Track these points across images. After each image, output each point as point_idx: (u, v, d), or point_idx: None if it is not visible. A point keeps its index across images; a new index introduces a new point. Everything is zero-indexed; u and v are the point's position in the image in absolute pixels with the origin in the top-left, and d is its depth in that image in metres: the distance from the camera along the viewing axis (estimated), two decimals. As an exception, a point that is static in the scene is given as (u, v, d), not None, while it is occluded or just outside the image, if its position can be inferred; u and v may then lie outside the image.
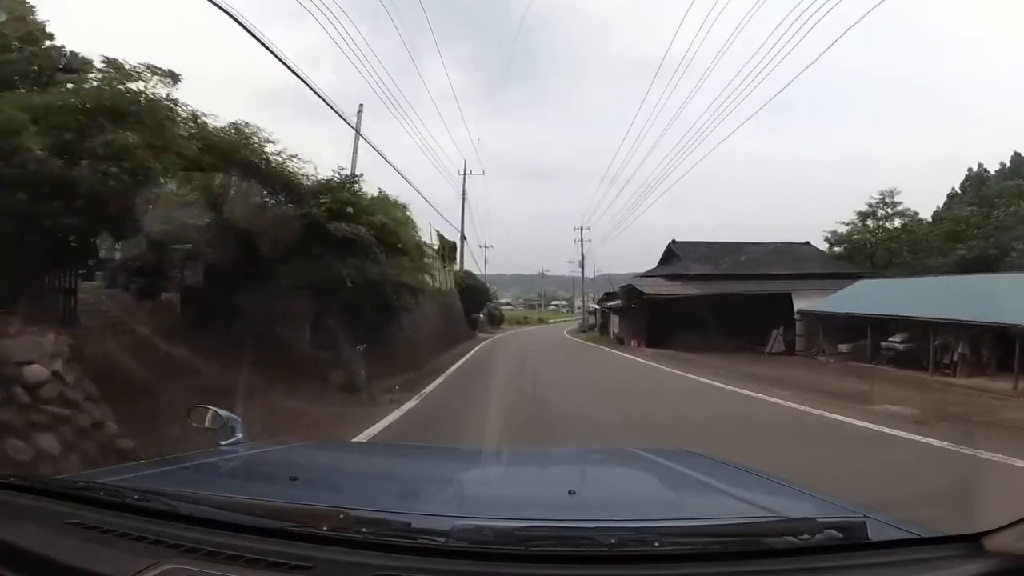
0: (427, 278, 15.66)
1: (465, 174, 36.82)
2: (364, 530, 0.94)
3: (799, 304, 20.01)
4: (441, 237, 28.25)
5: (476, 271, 39.55)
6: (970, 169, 30.40)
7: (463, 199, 36.96)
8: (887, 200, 28.68)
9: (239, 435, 1.74)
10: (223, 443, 1.71)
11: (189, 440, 2.43)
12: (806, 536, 0.92)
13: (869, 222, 29.16)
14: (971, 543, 0.92)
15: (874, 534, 0.95)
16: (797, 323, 20.11)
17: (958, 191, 30.05)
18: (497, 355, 19.77)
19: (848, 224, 29.73)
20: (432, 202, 26.28)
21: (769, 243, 27.39)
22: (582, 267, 56.51)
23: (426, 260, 15.45)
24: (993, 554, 0.88)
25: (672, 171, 43.09)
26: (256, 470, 1.63)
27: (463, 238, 36.31)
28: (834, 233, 30.01)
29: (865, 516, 1.01)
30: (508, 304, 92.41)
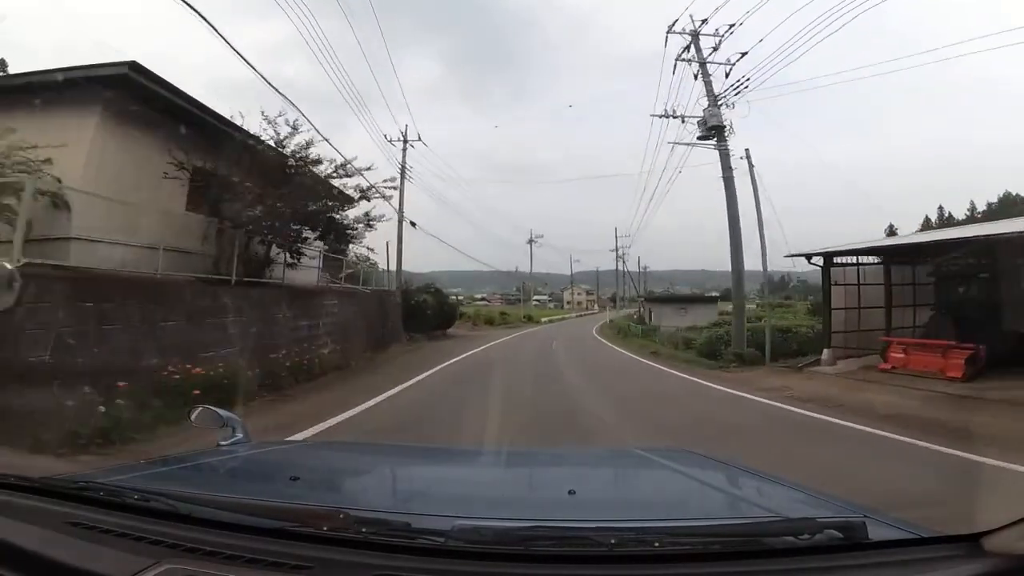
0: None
1: None
2: (364, 530, 0.94)
3: None
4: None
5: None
6: None
7: None
8: None
9: (239, 435, 1.74)
10: (223, 443, 1.71)
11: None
12: (806, 536, 0.92)
13: None
14: (971, 543, 0.92)
15: (874, 534, 0.95)
16: None
17: None
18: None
19: None
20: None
21: None
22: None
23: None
24: (993, 554, 0.88)
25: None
26: (256, 470, 1.64)
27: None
28: None
29: (865, 516, 1.01)
30: (483, 300, 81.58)
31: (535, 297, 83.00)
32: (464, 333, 27.78)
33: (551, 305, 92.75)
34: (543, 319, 55.85)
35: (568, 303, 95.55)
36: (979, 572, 0.86)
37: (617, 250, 51.13)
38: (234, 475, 1.55)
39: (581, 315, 74.06)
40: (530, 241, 64.40)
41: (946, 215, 54.09)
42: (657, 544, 0.91)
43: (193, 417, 1.76)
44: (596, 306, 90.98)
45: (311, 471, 1.67)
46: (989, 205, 48.46)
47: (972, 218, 48.91)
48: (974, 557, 0.89)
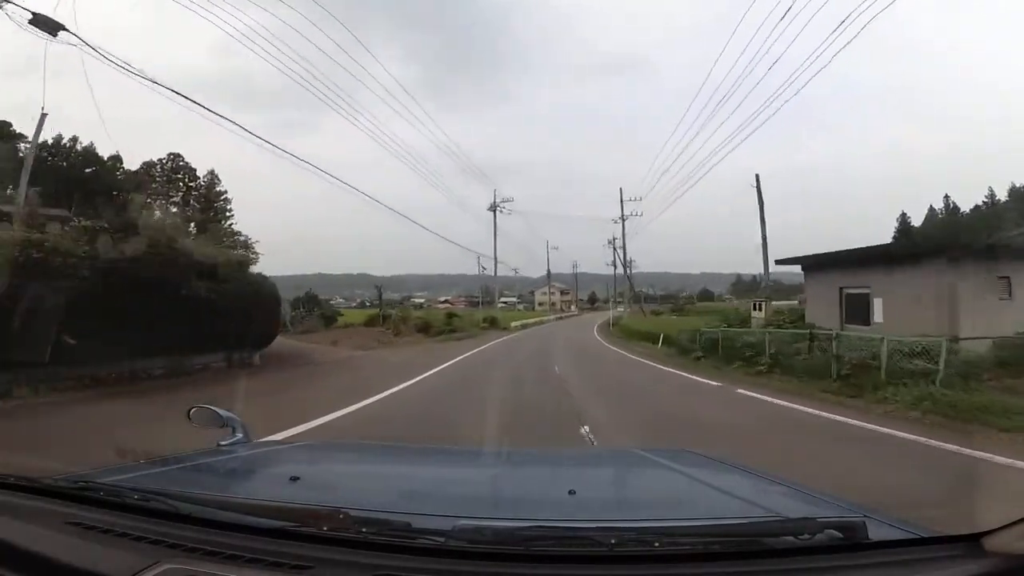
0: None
1: None
2: (364, 530, 0.94)
3: None
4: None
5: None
6: None
7: None
8: None
9: (239, 435, 1.74)
10: (223, 443, 1.71)
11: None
12: (806, 536, 0.92)
13: None
14: (971, 543, 0.92)
15: (874, 534, 0.95)
16: None
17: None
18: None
19: None
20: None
21: None
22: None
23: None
24: (993, 554, 0.89)
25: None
26: (256, 470, 1.64)
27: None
28: None
29: (865, 516, 1.02)
30: (447, 302, 74.84)
31: (502, 299, 68.32)
32: (331, 359, 14.86)
33: (521, 307, 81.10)
34: (513, 324, 41.02)
35: (540, 304, 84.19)
36: (979, 572, 0.87)
37: (623, 217, 39.85)
38: (234, 475, 1.55)
39: (561, 318, 63.18)
40: (493, 207, 43.95)
41: (951, 205, 56.04)
42: (657, 544, 0.91)
43: (193, 416, 1.74)
44: (574, 307, 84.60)
45: (311, 471, 1.67)
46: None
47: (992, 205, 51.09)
48: (974, 557, 0.90)
